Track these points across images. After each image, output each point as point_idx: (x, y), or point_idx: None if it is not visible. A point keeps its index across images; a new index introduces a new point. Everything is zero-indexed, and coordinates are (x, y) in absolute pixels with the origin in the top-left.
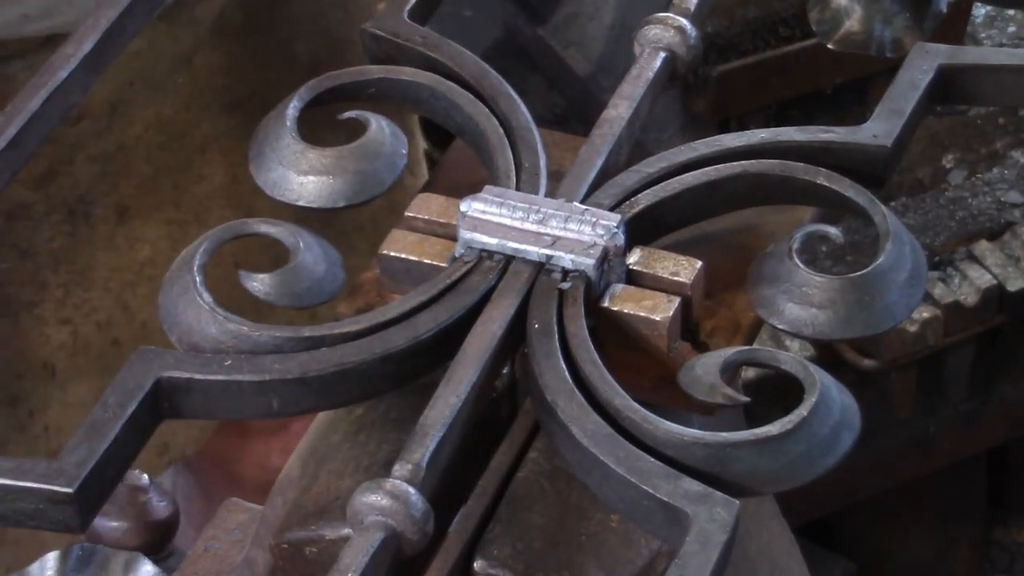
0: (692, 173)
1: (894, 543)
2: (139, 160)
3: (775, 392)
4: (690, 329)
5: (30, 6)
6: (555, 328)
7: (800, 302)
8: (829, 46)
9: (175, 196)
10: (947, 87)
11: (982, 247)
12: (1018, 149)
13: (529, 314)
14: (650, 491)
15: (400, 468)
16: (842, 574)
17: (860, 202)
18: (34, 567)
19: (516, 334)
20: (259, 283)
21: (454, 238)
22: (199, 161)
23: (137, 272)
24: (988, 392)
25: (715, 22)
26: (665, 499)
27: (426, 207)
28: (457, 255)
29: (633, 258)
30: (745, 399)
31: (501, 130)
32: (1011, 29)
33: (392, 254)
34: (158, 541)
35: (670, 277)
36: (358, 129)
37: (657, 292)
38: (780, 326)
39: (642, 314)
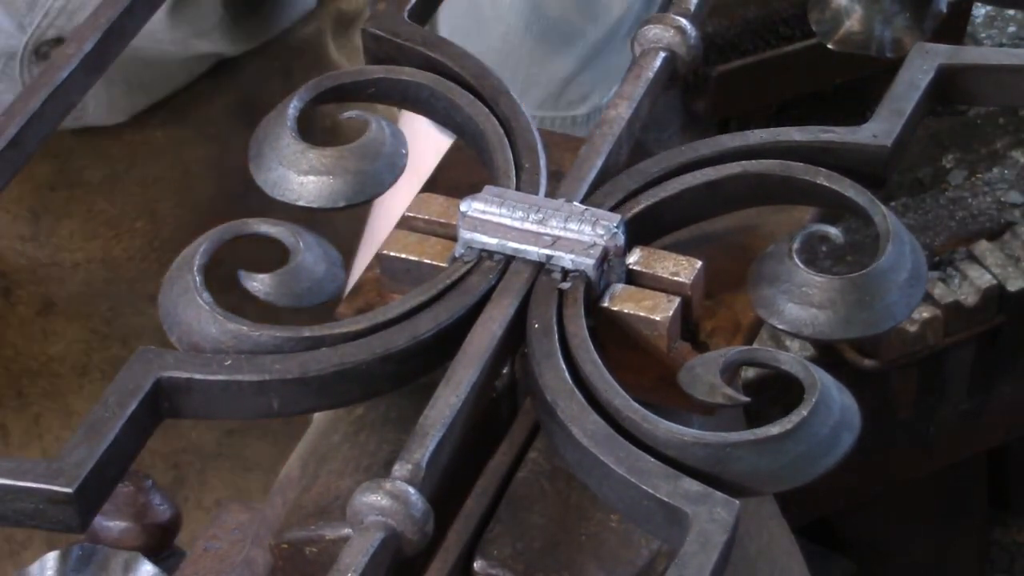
0: (692, 173)
1: (894, 543)
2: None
3: (775, 392)
4: (690, 329)
5: None
6: (555, 328)
7: (800, 302)
8: (829, 46)
9: None
10: (947, 87)
11: (982, 247)
12: (1018, 149)
13: (529, 314)
14: (650, 491)
15: (400, 468)
16: (842, 574)
17: (860, 202)
18: (34, 567)
19: (516, 334)
20: (259, 283)
21: (454, 238)
22: None
23: None
24: (988, 392)
25: (715, 22)
26: (665, 499)
27: (426, 207)
28: (457, 255)
29: (633, 258)
30: (745, 399)
31: (501, 130)
32: (1011, 29)
33: (392, 254)
34: (158, 542)
35: (670, 277)
36: (358, 129)
37: (657, 292)
38: (780, 326)
39: (642, 314)
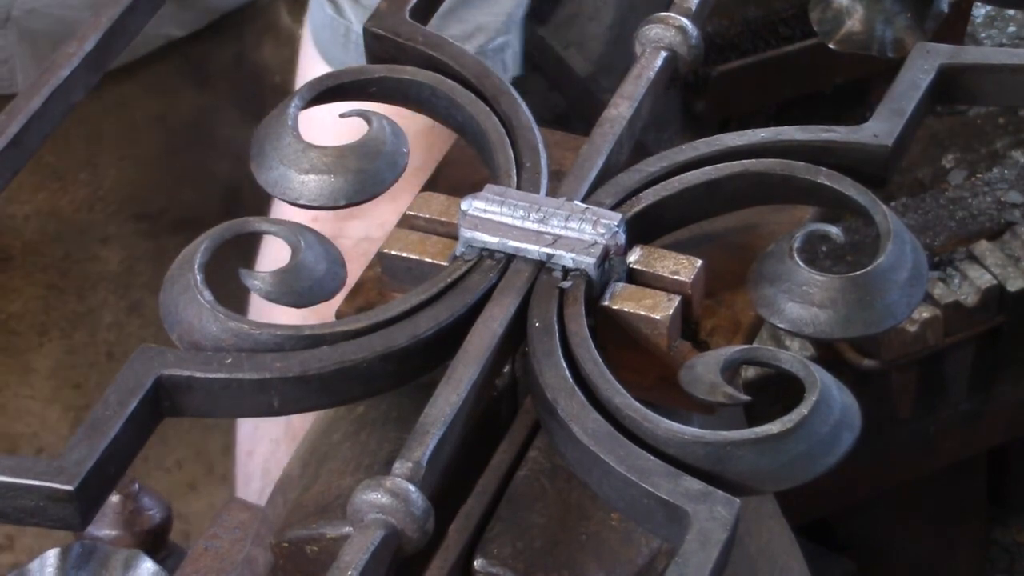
0: (693, 172)
1: (894, 543)
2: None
3: (775, 391)
4: (690, 328)
5: None
6: (556, 327)
7: (801, 301)
8: (830, 46)
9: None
10: (948, 87)
11: (982, 247)
12: (1018, 149)
13: (530, 313)
14: (650, 489)
15: (400, 466)
16: (842, 574)
17: (861, 201)
18: (34, 564)
19: (517, 333)
20: (260, 281)
21: (455, 237)
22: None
23: None
24: (988, 392)
25: (715, 22)
26: (665, 497)
27: (427, 206)
28: (458, 254)
29: (633, 257)
30: (746, 398)
31: (502, 129)
32: (1011, 29)
33: (393, 252)
34: (151, 546)
35: (670, 276)
36: (359, 127)
37: (657, 291)
38: (781, 325)
39: (642, 313)
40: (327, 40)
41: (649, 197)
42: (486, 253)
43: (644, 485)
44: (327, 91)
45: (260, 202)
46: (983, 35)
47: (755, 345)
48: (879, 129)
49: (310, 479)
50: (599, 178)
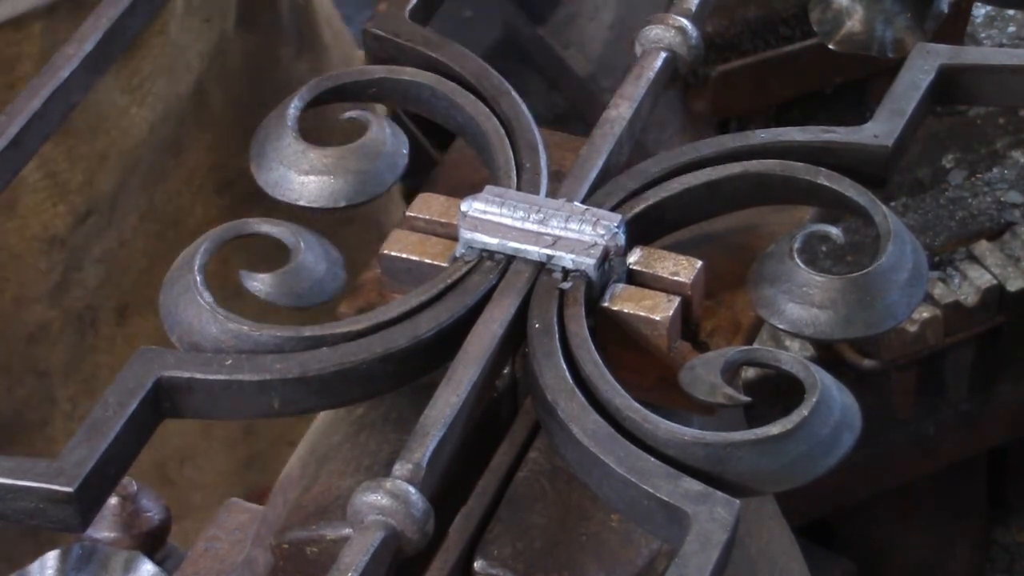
0: (693, 173)
1: (894, 543)
2: (137, 254)
3: (774, 391)
4: (690, 329)
5: None
6: (556, 328)
7: (801, 302)
8: (830, 46)
9: None
10: (948, 87)
11: (982, 247)
12: (1018, 149)
13: (530, 314)
14: (650, 490)
15: (400, 467)
16: (842, 574)
17: (861, 202)
18: (34, 566)
19: (517, 334)
20: (260, 283)
21: (455, 238)
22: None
23: None
24: (988, 392)
25: (715, 22)
26: (665, 498)
27: (427, 207)
28: (458, 255)
29: (633, 258)
30: (746, 399)
31: (502, 130)
32: (1011, 29)
33: (393, 254)
34: (150, 547)
35: (670, 277)
36: (359, 129)
37: (657, 292)
38: (781, 326)
39: (642, 314)
40: None
41: (649, 198)
42: (486, 254)
43: (644, 486)
44: (327, 92)
45: None
46: (983, 35)
47: (755, 346)
48: (879, 130)
49: (310, 480)
50: (599, 179)
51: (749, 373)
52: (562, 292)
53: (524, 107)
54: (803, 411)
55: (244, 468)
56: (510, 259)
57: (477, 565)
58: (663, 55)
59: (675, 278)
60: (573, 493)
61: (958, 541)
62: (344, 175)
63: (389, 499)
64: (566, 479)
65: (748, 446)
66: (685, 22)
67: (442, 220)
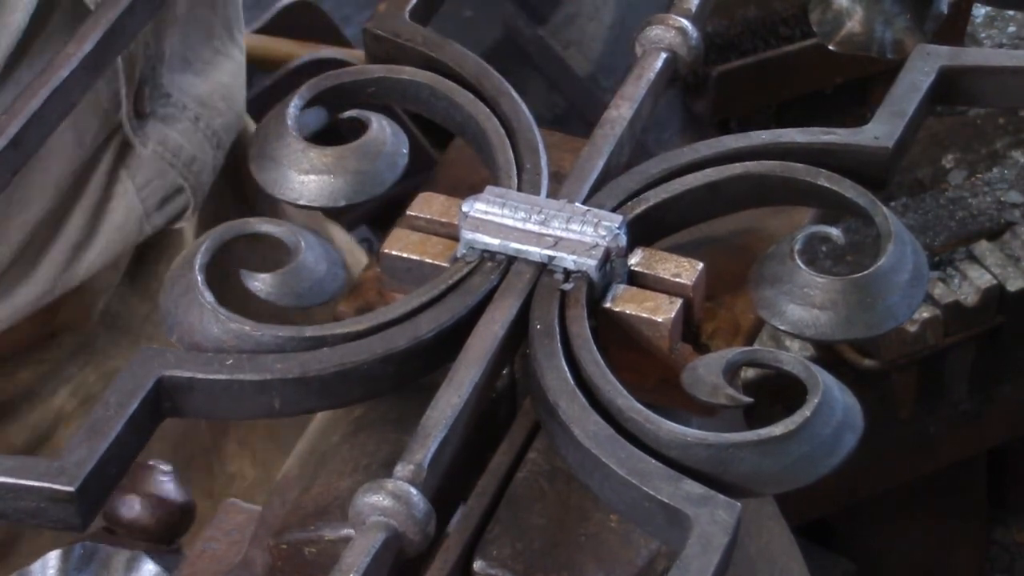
0: (694, 174)
1: (894, 543)
2: None
3: (774, 392)
4: (691, 331)
5: None
6: (557, 329)
7: (802, 303)
8: (830, 47)
9: None
10: (949, 89)
11: (982, 247)
12: (1018, 149)
13: (531, 315)
14: (651, 493)
15: (402, 468)
16: (842, 574)
17: (861, 203)
18: (36, 566)
19: (518, 335)
20: (260, 283)
21: (456, 237)
22: None
23: None
24: (988, 392)
25: (715, 22)
26: (666, 501)
27: (427, 206)
28: (459, 256)
29: (635, 259)
30: (748, 400)
31: (502, 130)
32: (1011, 29)
33: (394, 253)
34: (171, 528)
35: (672, 278)
36: (358, 128)
37: (659, 293)
38: (782, 327)
39: (644, 315)
40: None
41: (650, 199)
42: (487, 255)
43: (645, 488)
44: (327, 91)
45: None
46: (983, 35)
47: (757, 347)
48: (880, 131)
49: (308, 480)
50: (600, 180)
51: (748, 373)
52: (563, 293)
53: (524, 107)
54: (805, 412)
55: None
56: (511, 260)
57: (476, 565)
58: (663, 55)
59: (677, 280)
60: (572, 494)
61: (958, 541)
62: (344, 174)
63: (391, 500)
64: (565, 480)
65: (750, 447)
66: (685, 22)
67: (442, 219)
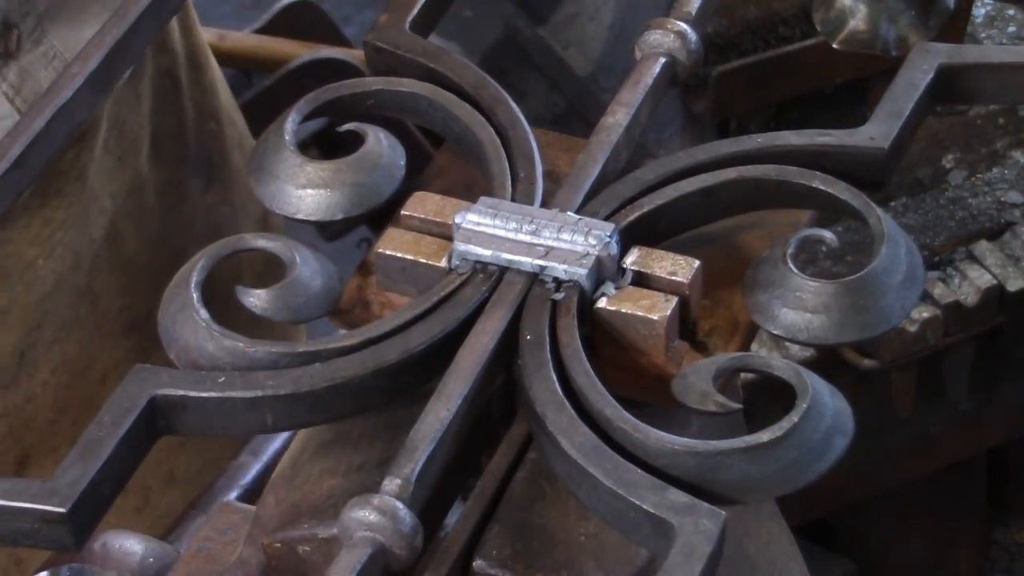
0: (688, 180)
1: (894, 543)
2: (45, 408)
3: (775, 392)
4: (688, 329)
5: None
6: (547, 339)
7: (795, 307)
8: (834, 45)
9: (73, 434)
10: (948, 86)
11: (982, 247)
12: (1018, 149)
13: (522, 325)
14: (636, 503)
15: (389, 483)
16: (842, 574)
17: (855, 205)
18: None
19: (509, 346)
20: (256, 298)
21: (450, 237)
22: (99, 394)
23: None
24: (988, 392)
25: (715, 22)
26: (651, 510)
27: (422, 206)
28: (452, 267)
29: (631, 258)
30: (737, 406)
31: (498, 140)
32: (1011, 29)
33: (388, 252)
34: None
35: (668, 277)
36: (355, 141)
37: (655, 291)
38: (775, 331)
39: (640, 313)
40: None
41: (644, 205)
42: (479, 266)
43: (630, 498)
44: (325, 104)
45: None
46: (983, 35)
47: (748, 352)
48: (876, 131)
49: (302, 479)
50: (595, 187)
51: (749, 374)
52: (554, 303)
53: (521, 116)
54: (793, 417)
55: None
56: (503, 270)
57: (476, 565)
58: (662, 60)
59: (673, 278)
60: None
61: (958, 541)
62: (341, 188)
63: (377, 515)
64: None
65: (738, 454)
66: (685, 27)
67: (437, 219)
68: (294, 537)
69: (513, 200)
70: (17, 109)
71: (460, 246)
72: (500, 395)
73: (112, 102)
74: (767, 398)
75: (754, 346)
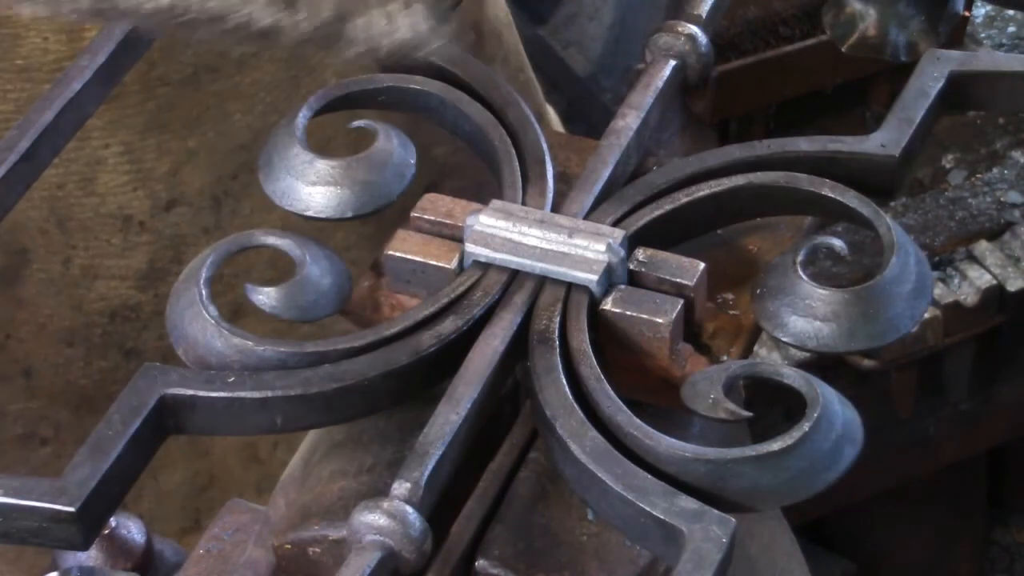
0: (697, 186)
1: (894, 543)
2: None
3: (775, 392)
4: (692, 331)
5: None
6: (557, 343)
7: (804, 315)
8: (843, 50)
9: None
10: (959, 94)
11: (982, 247)
12: (1018, 149)
13: (531, 328)
14: (647, 508)
15: (399, 486)
16: (842, 574)
17: (865, 213)
18: None
19: (518, 348)
20: (265, 296)
21: (460, 239)
22: None
23: None
24: (988, 392)
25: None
26: (661, 516)
27: (432, 208)
28: (462, 270)
29: (637, 260)
30: (747, 414)
31: (509, 141)
32: (1011, 29)
33: (398, 255)
34: (136, 570)
35: (673, 279)
36: (366, 138)
37: (660, 294)
38: (784, 339)
39: (645, 316)
40: None
41: (654, 211)
42: (490, 269)
43: (641, 504)
44: (336, 100)
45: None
46: (983, 35)
47: (758, 360)
48: (886, 139)
49: (313, 480)
50: (605, 191)
51: None
52: (564, 307)
53: (532, 117)
54: (804, 426)
55: None
56: (513, 273)
57: (479, 564)
58: (672, 63)
59: (678, 280)
60: (575, 493)
61: (958, 541)
62: (351, 185)
63: (387, 519)
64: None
65: (749, 462)
66: (695, 29)
67: (447, 221)
68: (304, 538)
69: (524, 203)
70: None
71: (471, 248)
72: (511, 398)
73: None
74: (768, 399)
75: (755, 346)
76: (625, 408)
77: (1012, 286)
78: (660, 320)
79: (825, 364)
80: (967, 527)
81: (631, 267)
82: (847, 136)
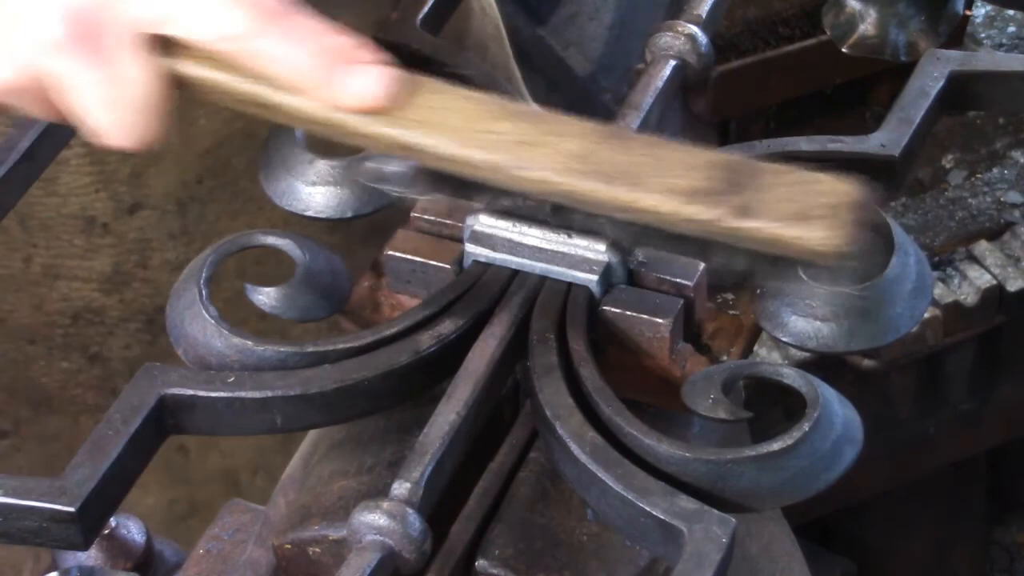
0: None
1: (894, 543)
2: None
3: (774, 392)
4: (692, 331)
5: None
6: (556, 343)
7: (804, 315)
8: (843, 50)
9: None
10: (959, 94)
11: (982, 247)
12: (1018, 149)
13: (531, 328)
14: (647, 508)
15: (399, 487)
16: (842, 574)
17: None
18: None
19: (518, 348)
20: (265, 296)
21: (460, 239)
22: None
23: None
24: (988, 392)
25: None
26: (661, 516)
27: (432, 208)
28: (462, 269)
29: (637, 260)
30: (748, 414)
31: None
32: (1011, 29)
33: (398, 255)
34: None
35: (673, 278)
36: None
37: (660, 294)
38: (785, 339)
39: (644, 316)
40: None
41: None
42: (490, 269)
43: (641, 504)
44: None
45: None
46: (983, 35)
47: (758, 360)
48: (886, 139)
49: (313, 480)
50: None
51: None
52: (564, 307)
53: None
54: (804, 426)
55: None
56: (513, 273)
57: (479, 565)
58: (672, 63)
59: (678, 280)
60: (575, 493)
61: (958, 541)
62: (351, 185)
63: (387, 519)
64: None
65: (749, 462)
66: (695, 29)
67: (447, 221)
68: (304, 538)
69: (524, 202)
70: None
71: (470, 248)
72: (511, 398)
73: None
74: (768, 400)
75: (755, 346)
76: (624, 409)
77: (1012, 286)
78: (660, 320)
79: (825, 364)
80: (967, 527)
81: (631, 267)
82: (847, 136)
